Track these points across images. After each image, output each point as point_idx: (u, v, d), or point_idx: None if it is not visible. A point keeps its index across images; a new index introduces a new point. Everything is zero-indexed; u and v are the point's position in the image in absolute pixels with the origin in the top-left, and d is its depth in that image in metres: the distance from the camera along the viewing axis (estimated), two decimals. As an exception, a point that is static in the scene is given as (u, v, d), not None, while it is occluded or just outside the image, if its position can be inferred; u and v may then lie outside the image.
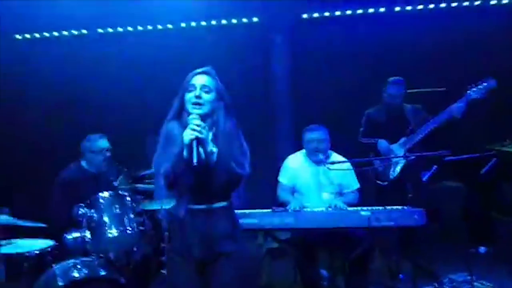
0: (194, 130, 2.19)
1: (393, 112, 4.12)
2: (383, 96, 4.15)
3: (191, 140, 2.18)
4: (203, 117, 2.30)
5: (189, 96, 2.33)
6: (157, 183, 2.41)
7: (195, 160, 2.15)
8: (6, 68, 4.94)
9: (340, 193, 3.86)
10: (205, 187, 2.31)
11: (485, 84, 3.79)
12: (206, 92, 2.34)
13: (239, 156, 2.35)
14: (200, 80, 2.35)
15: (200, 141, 2.20)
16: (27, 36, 5.72)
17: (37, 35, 5.71)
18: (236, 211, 2.50)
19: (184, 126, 2.28)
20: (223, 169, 2.28)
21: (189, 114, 2.30)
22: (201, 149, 2.22)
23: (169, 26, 5.63)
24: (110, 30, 5.69)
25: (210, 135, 2.33)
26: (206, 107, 2.33)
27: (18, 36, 5.71)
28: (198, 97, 2.31)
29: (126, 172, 4.00)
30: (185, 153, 2.21)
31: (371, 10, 5.38)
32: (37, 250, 3.26)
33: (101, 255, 3.39)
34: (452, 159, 3.40)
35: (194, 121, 2.23)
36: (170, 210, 2.61)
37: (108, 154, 3.90)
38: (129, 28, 5.68)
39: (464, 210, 4.62)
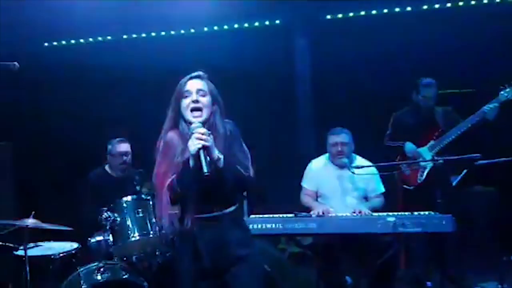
0: (199, 139, 2.13)
1: (424, 114, 4.00)
2: (414, 98, 4.03)
3: (198, 150, 2.12)
4: (202, 123, 2.24)
5: (186, 102, 2.28)
6: (158, 196, 2.33)
7: (206, 170, 2.09)
8: (34, 75, 5.04)
9: (365, 198, 3.79)
10: (212, 194, 2.25)
11: None
12: (203, 96, 2.29)
13: (242, 159, 2.31)
14: (194, 84, 2.30)
15: (206, 149, 2.14)
16: (55, 43, 5.85)
17: (64, 43, 5.84)
18: (256, 216, 2.46)
19: (183, 134, 2.25)
20: (229, 174, 2.23)
21: (187, 121, 2.26)
22: (207, 157, 2.15)
23: (192, 30, 5.66)
24: (134, 35, 5.75)
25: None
26: (205, 112, 2.28)
27: (46, 44, 5.84)
28: (196, 101, 2.26)
29: (145, 175, 4.03)
30: (191, 163, 2.16)
31: (397, 9, 5.26)
32: (62, 253, 3.32)
33: (124, 258, 3.42)
34: (483, 163, 3.27)
35: (198, 129, 2.16)
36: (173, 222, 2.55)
37: (125, 158, 3.94)
38: (153, 34, 5.72)
39: (496, 216, 4.44)
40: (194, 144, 2.12)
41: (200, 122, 2.22)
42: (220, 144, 2.25)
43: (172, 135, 2.31)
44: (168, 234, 2.38)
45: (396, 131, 4.12)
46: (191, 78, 2.33)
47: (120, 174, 3.96)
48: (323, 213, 3.49)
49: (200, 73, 2.36)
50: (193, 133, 2.16)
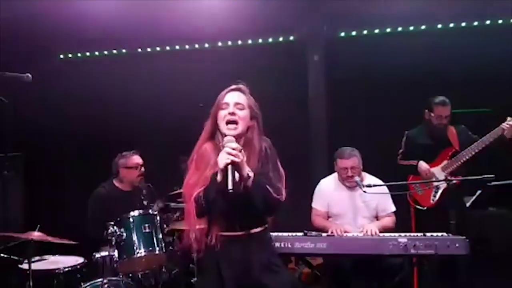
0: (230, 154, 2.06)
1: (437, 133, 3.92)
2: (427, 117, 3.96)
3: (227, 165, 2.05)
4: (236, 137, 2.18)
5: (223, 114, 2.24)
6: (187, 209, 2.27)
7: (230, 187, 2.01)
8: (48, 88, 5.10)
9: (376, 217, 3.71)
10: (239, 213, 2.19)
11: None
12: (240, 109, 2.25)
13: (275, 180, 2.22)
14: (233, 97, 2.27)
15: (235, 166, 2.07)
16: (70, 55, 5.92)
17: (79, 55, 5.91)
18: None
19: (217, 146, 2.19)
20: (258, 194, 2.14)
21: (223, 134, 2.20)
22: (236, 174, 2.08)
23: (206, 45, 5.69)
24: (148, 50, 5.81)
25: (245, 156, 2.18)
26: (241, 125, 2.23)
27: (62, 56, 5.92)
28: (232, 113, 2.22)
29: (153, 189, 4.01)
30: (219, 177, 2.09)
31: (411, 28, 5.23)
32: (66, 267, 3.30)
33: (129, 274, 3.38)
34: (497, 183, 3.17)
35: (230, 144, 2.10)
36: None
37: (142, 169, 3.94)
38: (167, 48, 5.78)
39: (511, 238, 4.30)
40: (223, 159, 2.06)
41: (233, 136, 2.17)
42: (254, 161, 2.19)
43: (206, 147, 2.27)
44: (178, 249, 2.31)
45: (409, 150, 4.04)
46: (230, 90, 2.31)
47: (132, 186, 3.94)
48: (340, 232, 3.41)
49: (241, 86, 2.33)
50: (224, 147, 2.10)
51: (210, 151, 2.24)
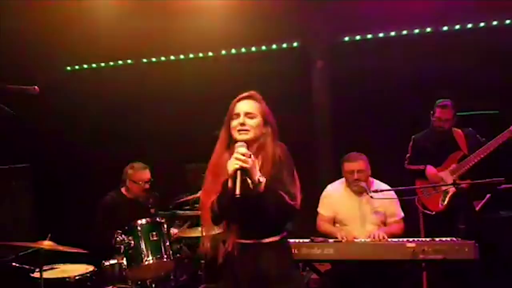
0: (238, 159, 2.06)
1: (442, 137, 3.89)
2: (432, 120, 3.95)
3: (235, 170, 2.05)
4: (249, 143, 2.19)
5: (234, 124, 2.25)
6: (203, 216, 2.30)
7: (237, 192, 2.01)
8: (55, 99, 5.16)
9: (384, 223, 3.68)
10: (253, 220, 2.18)
11: None
12: (251, 118, 2.25)
13: (289, 186, 2.20)
14: (244, 106, 2.27)
15: (245, 171, 2.06)
16: (77, 67, 5.99)
17: (85, 66, 5.97)
18: None
19: (231, 155, 2.18)
20: (271, 200, 2.12)
21: (235, 141, 2.21)
22: (248, 179, 2.08)
23: (210, 53, 5.72)
24: (153, 59, 5.85)
25: (258, 162, 2.18)
26: (252, 132, 2.23)
27: (68, 68, 6.00)
28: (243, 124, 2.22)
29: (159, 197, 4.03)
30: (229, 183, 2.09)
31: (416, 31, 5.22)
32: (77, 276, 3.33)
33: (138, 282, 3.40)
34: (507, 187, 3.15)
35: (240, 149, 2.11)
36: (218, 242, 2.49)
37: (147, 186, 3.93)
38: (172, 57, 5.82)
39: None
40: (232, 164, 2.07)
41: (246, 142, 2.17)
42: (268, 167, 2.18)
43: (222, 155, 2.28)
44: (186, 257, 2.32)
45: (416, 154, 4.02)
46: (240, 99, 2.31)
47: (136, 198, 3.96)
48: (347, 238, 3.39)
49: (252, 93, 2.33)
50: (234, 153, 2.11)
51: (226, 159, 2.23)
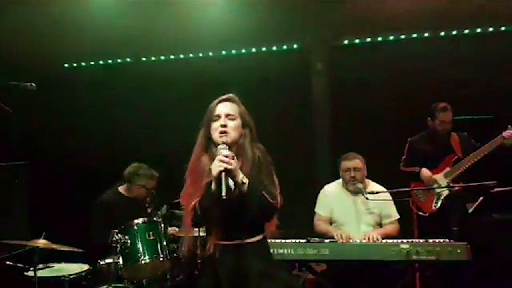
0: (222, 161, 2.08)
1: (440, 140, 3.94)
2: (430, 124, 3.98)
3: (220, 172, 2.07)
4: (229, 145, 2.21)
5: (215, 126, 2.26)
6: (185, 219, 2.32)
7: (223, 193, 2.03)
8: (53, 96, 5.16)
9: (379, 224, 3.72)
10: (235, 221, 2.20)
11: None
12: (231, 120, 2.27)
13: (269, 186, 2.23)
14: (224, 108, 2.29)
15: (229, 173, 2.09)
16: (75, 65, 5.99)
17: (83, 64, 5.97)
18: (268, 241, 2.37)
19: (212, 156, 2.21)
20: (254, 201, 2.15)
21: (216, 144, 2.23)
22: (230, 181, 2.10)
23: (210, 53, 5.74)
24: (153, 58, 5.86)
25: (238, 164, 2.20)
26: (232, 134, 2.25)
27: (66, 65, 5.99)
28: (224, 125, 2.24)
29: (157, 197, 4.03)
30: (213, 186, 2.11)
31: (414, 35, 5.26)
32: (72, 275, 3.33)
33: (134, 281, 3.41)
34: (499, 190, 3.19)
35: (222, 151, 2.13)
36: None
37: (151, 192, 3.93)
38: (171, 56, 5.83)
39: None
40: (216, 167, 2.08)
41: (226, 144, 2.19)
42: (247, 168, 2.20)
43: (201, 157, 2.28)
44: (181, 256, 2.33)
45: (412, 157, 4.06)
46: (220, 101, 2.32)
47: (133, 196, 3.95)
48: (343, 238, 3.43)
49: (231, 95, 2.35)
50: (217, 155, 2.13)
51: (205, 161, 2.26)
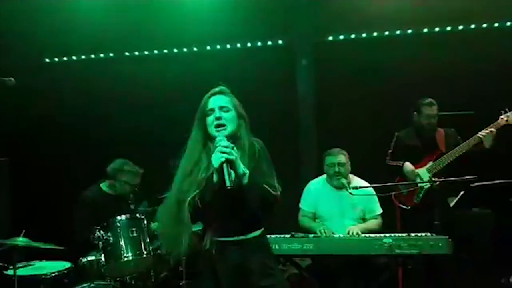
0: (223, 152, 2.05)
1: (426, 134, 3.98)
2: (416, 119, 4.01)
3: (222, 163, 2.04)
4: (228, 137, 2.17)
5: (210, 120, 2.23)
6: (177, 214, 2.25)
7: (228, 184, 2.00)
8: (33, 91, 5.06)
9: (363, 219, 3.77)
10: (236, 215, 2.17)
11: None
12: (226, 112, 2.24)
13: (269, 178, 2.20)
14: (217, 101, 2.26)
15: (230, 163, 2.06)
16: (56, 59, 5.87)
17: (65, 59, 5.86)
18: None
19: (208, 151, 2.18)
20: (255, 192, 2.11)
21: (213, 137, 2.20)
22: (232, 171, 2.06)
23: (194, 49, 5.69)
24: (136, 53, 5.77)
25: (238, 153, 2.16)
26: (229, 126, 2.22)
27: (47, 60, 5.87)
28: (219, 118, 2.21)
29: (140, 193, 4.00)
30: (215, 178, 2.08)
31: (398, 32, 5.30)
32: (53, 272, 3.28)
33: (117, 278, 3.37)
34: (479, 184, 3.24)
35: (222, 142, 2.10)
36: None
37: (135, 189, 3.91)
38: (155, 51, 5.76)
39: (493, 238, 4.38)
40: (217, 158, 2.05)
41: (224, 136, 2.16)
42: (246, 160, 2.16)
43: (197, 152, 2.24)
44: (178, 254, 2.27)
45: (398, 151, 4.09)
46: (212, 94, 2.29)
47: (118, 194, 3.92)
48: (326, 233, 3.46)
49: (222, 88, 2.31)
50: (217, 147, 2.10)
51: (201, 155, 2.22)
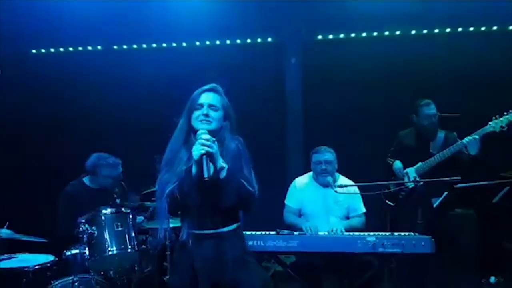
0: (203, 144, 2.10)
1: (425, 136, 4.00)
2: (415, 121, 4.02)
3: (201, 155, 2.09)
4: (211, 134, 2.21)
5: (197, 114, 2.26)
6: (159, 206, 2.28)
7: (206, 175, 2.06)
8: (20, 82, 5.00)
9: (347, 217, 3.80)
10: (213, 208, 2.21)
11: (507, 116, 3.68)
12: (214, 110, 2.28)
13: (248, 175, 2.25)
14: (207, 98, 2.29)
15: (210, 156, 2.11)
16: (43, 51, 5.80)
17: (52, 50, 5.79)
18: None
19: (190, 144, 2.21)
20: (233, 186, 2.16)
21: (196, 131, 2.22)
22: (211, 164, 2.12)
23: (184, 44, 5.67)
24: (124, 47, 5.74)
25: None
26: (214, 124, 2.26)
27: (34, 51, 5.79)
28: (206, 115, 2.25)
29: (126, 187, 3.98)
30: (194, 169, 2.13)
31: (386, 33, 5.35)
32: (36, 265, 3.25)
33: (101, 272, 3.35)
34: (462, 185, 3.29)
35: (203, 135, 2.14)
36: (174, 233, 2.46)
37: (120, 183, 3.91)
38: (144, 45, 5.73)
39: (475, 238, 4.46)
40: (198, 150, 2.10)
41: (206, 130, 2.19)
42: (227, 159, 2.20)
43: (179, 144, 2.28)
44: (156, 245, 2.30)
45: (397, 150, 4.15)
46: (204, 91, 2.32)
47: (100, 188, 3.89)
48: (311, 231, 3.47)
49: (215, 85, 2.34)
50: (198, 140, 2.14)
51: (183, 148, 2.26)
